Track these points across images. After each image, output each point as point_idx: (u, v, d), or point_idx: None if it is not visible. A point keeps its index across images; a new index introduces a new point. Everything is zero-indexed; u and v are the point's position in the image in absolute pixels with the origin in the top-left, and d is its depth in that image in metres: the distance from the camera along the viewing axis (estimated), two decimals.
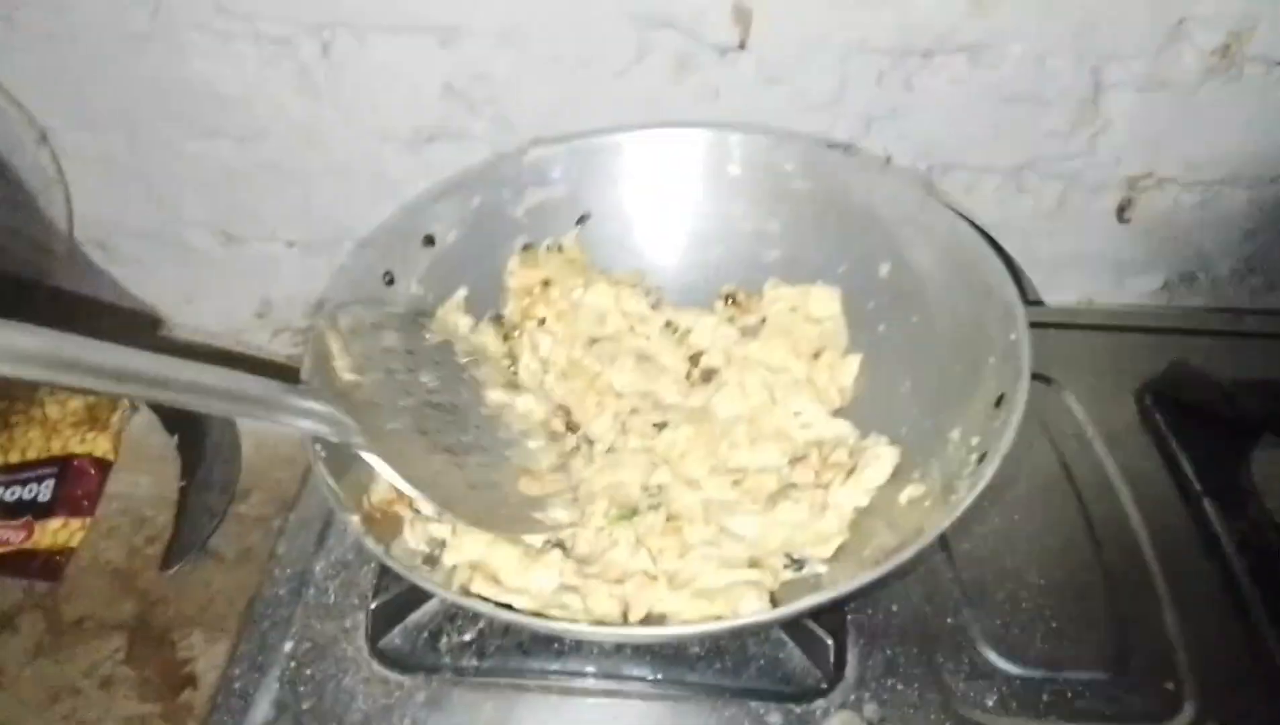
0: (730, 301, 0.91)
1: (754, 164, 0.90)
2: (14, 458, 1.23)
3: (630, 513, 0.73)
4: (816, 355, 0.85)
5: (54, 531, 1.16)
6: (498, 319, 0.90)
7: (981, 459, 0.64)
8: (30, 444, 1.24)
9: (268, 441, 1.24)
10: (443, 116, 1.14)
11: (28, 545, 1.15)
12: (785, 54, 1.05)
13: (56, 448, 1.22)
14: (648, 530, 0.72)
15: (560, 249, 0.92)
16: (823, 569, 0.69)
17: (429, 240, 0.86)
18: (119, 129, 1.20)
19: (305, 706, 0.71)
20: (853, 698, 0.72)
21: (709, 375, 0.86)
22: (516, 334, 0.89)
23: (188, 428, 1.22)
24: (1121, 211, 1.18)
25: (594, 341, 0.87)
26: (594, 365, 0.86)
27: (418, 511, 0.71)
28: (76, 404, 1.24)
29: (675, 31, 1.05)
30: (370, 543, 0.61)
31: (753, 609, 0.64)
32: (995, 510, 0.84)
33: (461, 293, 0.87)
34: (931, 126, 1.09)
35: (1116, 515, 0.83)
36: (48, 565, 1.14)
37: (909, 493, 0.70)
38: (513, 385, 0.83)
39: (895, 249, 0.83)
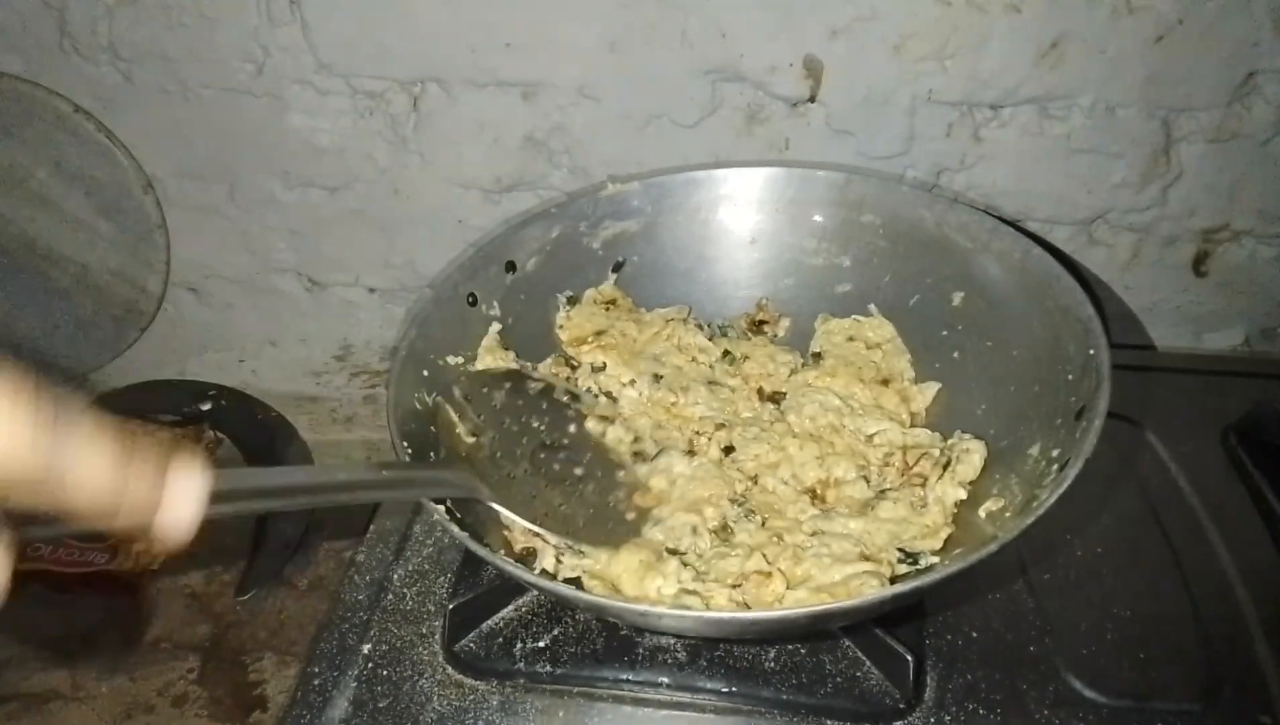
0: (757, 313, 0.94)
1: (826, 200, 0.92)
2: None
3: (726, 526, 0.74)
4: (885, 382, 0.85)
5: (136, 555, 1.20)
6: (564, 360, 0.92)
7: (1063, 468, 0.63)
8: None
9: None
10: (522, 166, 1.19)
11: (111, 567, 1.19)
12: (855, 105, 1.08)
13: None
14: (751, 537, 0.72)
15: (606, 298, 0.94)
16: (935, 561, 0.68)
17: (510, 266, 0.89)
18: (220, 179, 1.28)
19: (381, 705, 0.72)
20: (932, 720, 0.70)
21: (777, 398, 0.87)
22: (576, 378, 0.90)
23: (265, 460, 1.26)
24: (1198, 264, 1.18)
25: (658, 377, 0.88)
26: (668, 396, 0.87)
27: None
28: (164, 434, 1.28)
29: (746, 85, 1.09)
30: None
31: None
32: (1078, 542, 0.83)
33: (495, 328, 0.88)
34: (1001, 177, 1.11)
35: (1203, 550, 0.81)
36: (129, 586, 1.18)
37: (988, 507, 0.70)
38: (605, 417, 0.85)
39: (968, 277, 0.84)
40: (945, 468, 0.73)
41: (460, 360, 0.83)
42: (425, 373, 0.80)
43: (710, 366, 0.91)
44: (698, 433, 0.83)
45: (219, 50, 1.15)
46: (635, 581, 0.68)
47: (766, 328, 0.94)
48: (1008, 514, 0.67)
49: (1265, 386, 1.00)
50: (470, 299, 0.86)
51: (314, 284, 1.37)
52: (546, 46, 1.08)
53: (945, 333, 0.86)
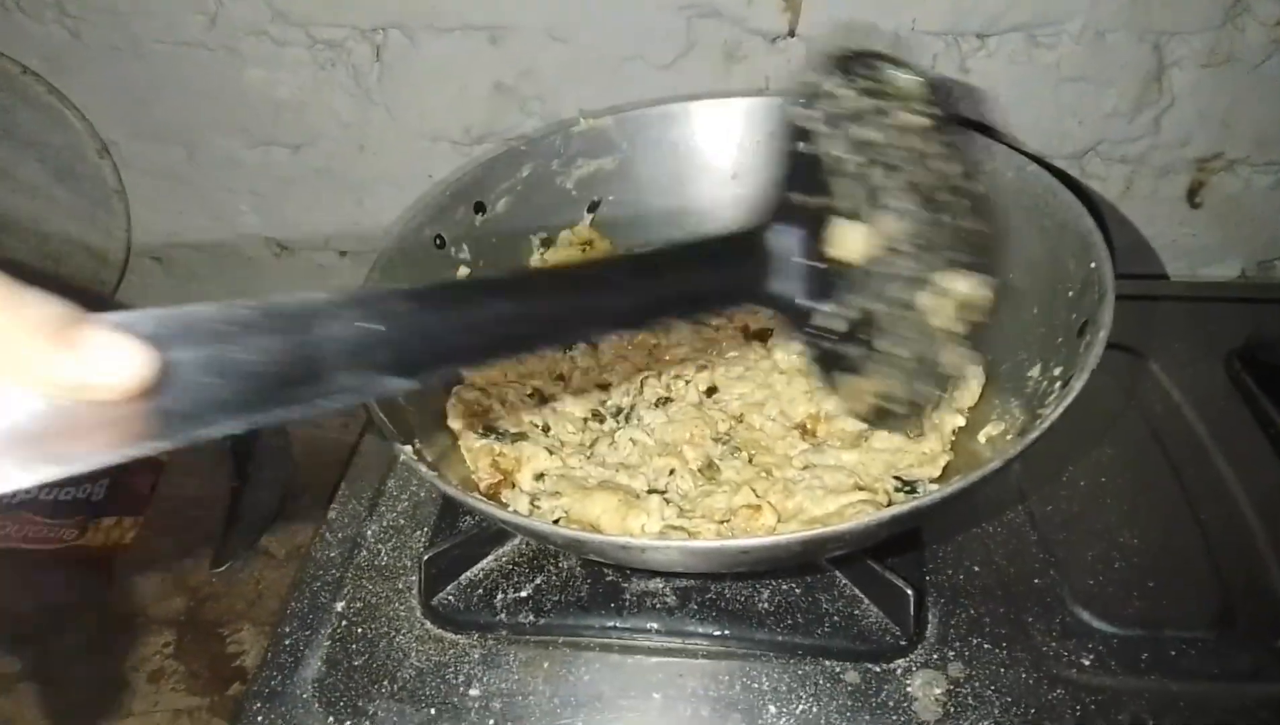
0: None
1: None
2: None
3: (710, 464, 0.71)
4: None
5: (106, 530, 1.15)
6: None
7: (1066, 384, 0.60)
8: None
9: (318, 444, 1.23)
10: (492, 114, 1.14)
11: (80, 543, 1.15)
12: (836, 39, 1.04)
13: None
14: (739, 473, 0.69)
15: (582, 239, 0.90)
16: (934, 489, 0.65)
17: (480, 207, 0.85)
18: (178, 140, 1.23)
19: (357, 663, 0.68)
20: (935, 657, 0.67)
21: (764, 336, 0.83)
22: None
23: (240, 435, 1.22)
24: (1192, 196, 1.14)
25: None
26: (649, 339, 0.84)
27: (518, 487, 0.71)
28: None
29: (723, 20, 1.05)
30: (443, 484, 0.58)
31: None
32: (1081, 473, 0.79)
33: (464, 272, 0.83)
34: (990, 110, 1.07)
35: (1211, 476, 0.79)
36: (99, 562, 1.14)
37: (988, 432, 0.66)
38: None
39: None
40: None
41: None
42: None
43: None
44: (676, 377, 0.79)
45: (169, 2, 1.10)
46: (616, 521, 0.65)
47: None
48: (1009, 437, 0.64)
49: (1266, 311, 0.98)
50: (438, 241, 0.82)
51: (282, 249, 1.32)
52: None
53: None
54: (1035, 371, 0.67)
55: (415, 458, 0.60)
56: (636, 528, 0.63)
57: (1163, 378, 0.88)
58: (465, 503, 0.56)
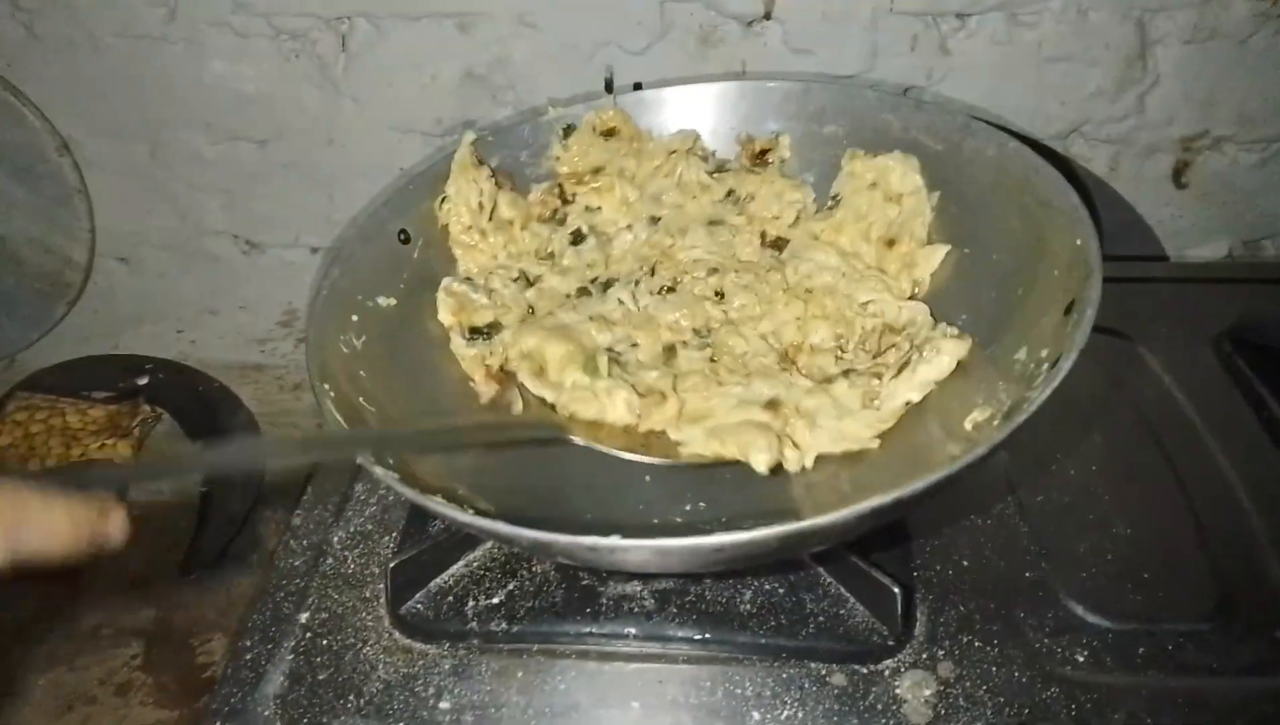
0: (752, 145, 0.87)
1: (784, 113, 0.85)
2: (33, 465, 1.20)
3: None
4: (891, 243, 0.78)
5: None
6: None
7: (1054, 365, 0.57)
8: (50, 452, 1.21)
9: None
10: (463, 104, 1.11)
11: None
12: (813, 21, 1.01)
13: (76, 455, 1.19)
14: (689, 364, 0.70)
15: (606, 126, 0.88)
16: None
17: (445, 200, 0.82)
18: (140, 137, 1.19)
19: (321, 677, 0.65)
20: (924, 656, 0.64)
21: (780, 244, 0.81)
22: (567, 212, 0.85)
23: (209, 434, 1.19)
24: (1178, 176, 1.12)
25: (656, 220, 0.82)
26: (665, 239, 0.82)
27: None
28: (98, 412, 1.21)
29: (697, 4, 1.02)
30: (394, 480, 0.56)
31: (762, 459, 0.60)
32: (1071, 463, 0.77)
33: (469, 138, 0.83)
34: (971, 92, 1.05)
35: (1204, 462, 0.76)
36: (63, 572, 1.10)
37: (974, 418, 0.63)
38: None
39: (940, 182, 0.78)
40: (903, 367, 0.67)
41: (393, 301, 0.76)
42: (354, 317, 0.73)
43: (713, 205, 0.84)
44: (685, 272, 0.79)
45: None
46: (556, 370, 0.68)
47: (770, 156, 0.86)
48: (995, 423, 0.61)
49: (1254, 291, 0.96)
50: (402, 236, 0.79)
51: (251, 246, 1.29)
52: None
53: None
54: (1021, 354, 0.64)
55: (373, 462, 0.57)
56: (567, 382, 0.66)
57: (1151, 361, 0.86)
58: (426, 506, 0.53)
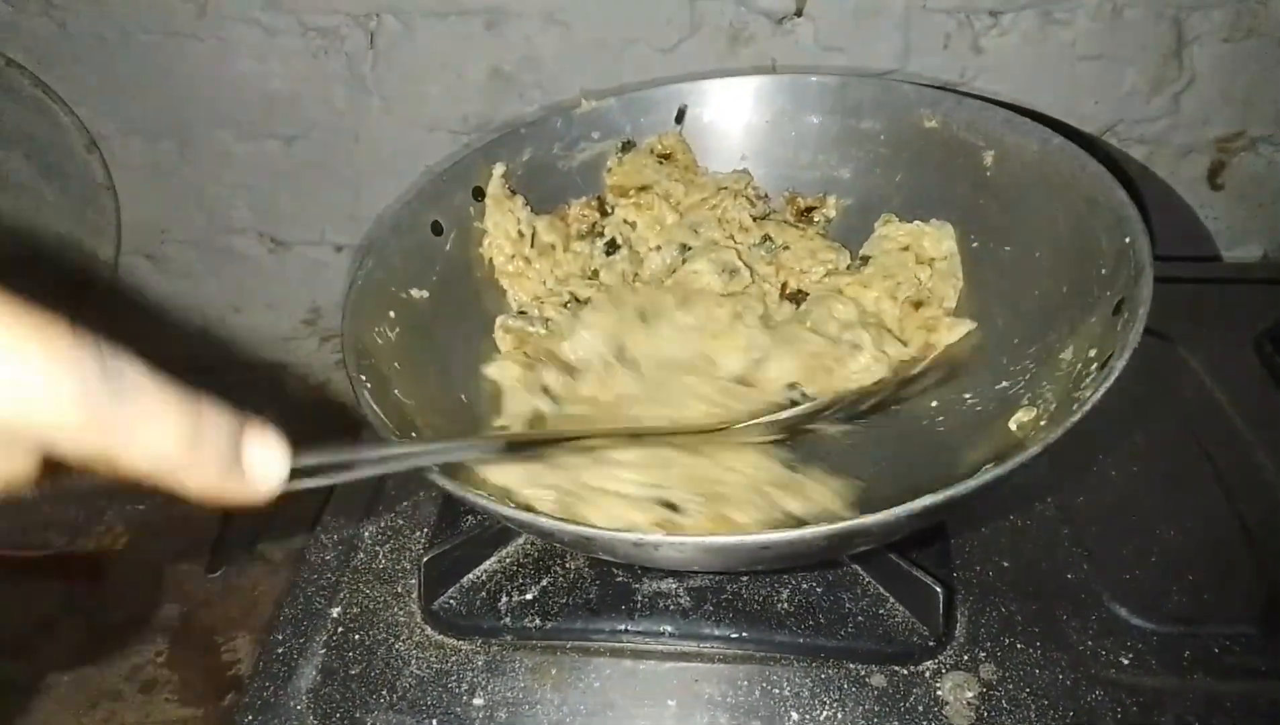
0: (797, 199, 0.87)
1: (821, 108, 0.84)
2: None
3: None
4: (918, 305, 0.77)
5: (98, 535, 1.12)
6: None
7: (1104, 365, 0.56)
8: None
9: (317, 441, 1.19)
10: (490, 102, 1.11)
11: (71, 548, 1.11)
12: (844, 18, 1.01)
13: None
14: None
15: (664, 149, 0.87)
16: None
17: (478, 193, 0.81)
18: (169, 134, 1.19)
19: (353, 672, 0.65)
20: (966, 658, 0.63)
21: (799, 297, 0.80)
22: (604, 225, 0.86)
23: None
24: (1213, 177, 1.11)
25: (686, 247, 0.82)
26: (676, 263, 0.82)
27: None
28: None
29: (729, 1, 1.01)
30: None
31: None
32: (1112, 463, 0.76)
33: (499, 171, 0.82)
34: (1004, 90, 1.04)
35: (1247, 462, 0.75)
36: (90, 569, 1.10)
37: (1019, 417, 0.63)
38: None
39: (981, 179, 0.77)
40: None
41: (425, 294, 0.75)
42: (392, 313, 0.72)
43: (748, 248, 0.83)
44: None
45: None
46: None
47: (815, 214, 0.85)
48: (1043, 423, 0.60)
49: None
50: (435, 227, 0.78)
51: (277, 244, 1.28)
52: None
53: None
54: (1068, 353, 0.63)
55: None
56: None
57: (1192, 361, 0.84)
58: (465, 499, 0.52)
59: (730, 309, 0.76)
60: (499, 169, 0.82)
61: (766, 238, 0.83)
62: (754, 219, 0.84)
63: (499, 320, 0.79)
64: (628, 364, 0.74)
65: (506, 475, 0.60)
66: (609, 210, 0.85)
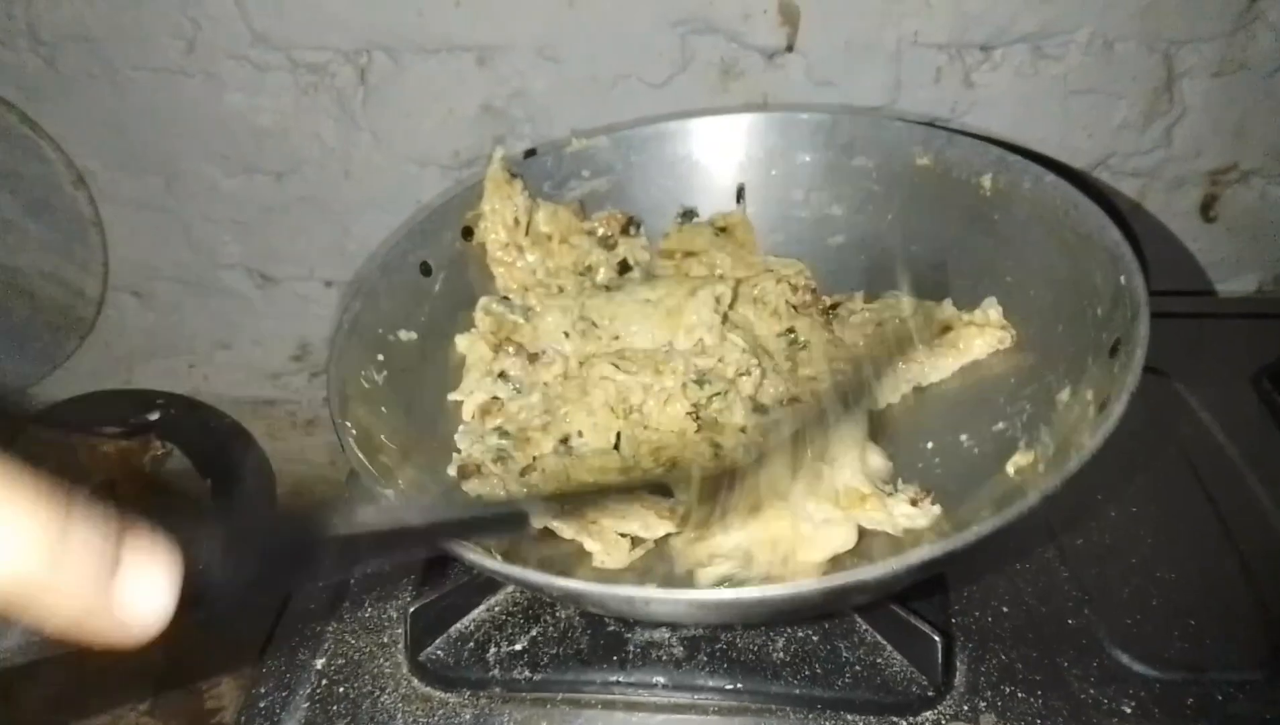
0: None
1: (812, 144, 0.84)
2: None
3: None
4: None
5: None
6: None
7: (1103, 407, 0.55)
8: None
9: (304, 486, 1.18)
10: (481, 138, 1.11)
11: None
12: (835, 53, 1.01)
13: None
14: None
15: (722, 224, 0.86)
16: None
17: (467, 232, 0.81)
18: (156, 170, 1.19)
19: None
20: (966, 708, 0.62)
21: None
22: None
23: (220, 472, 1.17)
24: (1206, 209, 1.11)
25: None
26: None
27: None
28: (108, 448, 1.19)
29: (719, 37, 1.01)
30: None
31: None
32: (1111, 504, 0.75)
33: (499, 153, 0.82)
34: (995, 124, 1.04)
35: (1247, 502, 0.74)
36: None
37: (1016, 461, 0.61)
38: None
39: (973, 216, 0.76)
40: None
41: (414, 335, 0.74)
42: (380, 356, 0.71)
43: (773, 337, 0.79)
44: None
45: (145, 26, 1.06)
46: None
47: (840, 310, 0.81)
48: (1040, 467, 0.59)
49: None
50: (424, 268, 0.77)
51: (265, 280, 1.27)
52: (500, 3, 1.00)
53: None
54: (1064, 395, 0.62)
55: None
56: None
57: (1190, 398, 0.84)
58: (455, 552, 0.51)
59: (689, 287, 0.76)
60: (499, 152, 0.81)
61: (790, 331, 0.79)
62: (793, 308, 0.80)
63: (481, 301, 0.79)
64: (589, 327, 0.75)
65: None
66: (631, 231, 0.85)
